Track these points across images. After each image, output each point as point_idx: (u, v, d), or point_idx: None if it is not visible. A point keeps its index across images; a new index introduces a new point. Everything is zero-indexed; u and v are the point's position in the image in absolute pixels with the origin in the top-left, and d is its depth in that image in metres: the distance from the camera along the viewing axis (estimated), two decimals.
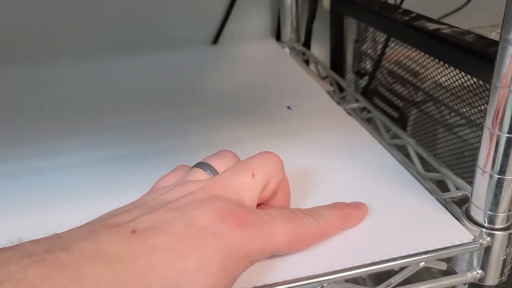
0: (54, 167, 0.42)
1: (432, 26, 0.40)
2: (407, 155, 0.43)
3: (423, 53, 0.46)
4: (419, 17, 0.42)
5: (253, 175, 0.29)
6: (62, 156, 0.44)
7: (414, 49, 0.49)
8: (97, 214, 0.28)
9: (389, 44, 0.57)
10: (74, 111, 0.54)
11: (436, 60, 0.45)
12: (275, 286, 0.29)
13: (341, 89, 0.59)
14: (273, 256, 0.30)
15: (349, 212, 0.33)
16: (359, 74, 0.69)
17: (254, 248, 0.27)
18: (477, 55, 0.34)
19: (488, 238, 0.31)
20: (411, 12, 0.44)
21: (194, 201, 0.27)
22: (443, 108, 0.51)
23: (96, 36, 0.68)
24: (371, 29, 0.66)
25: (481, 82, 0.37)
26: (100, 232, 0.24)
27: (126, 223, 0.25)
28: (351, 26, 0.68)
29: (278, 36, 0.73)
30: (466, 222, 0.32)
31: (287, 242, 0.29)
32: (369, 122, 0.52)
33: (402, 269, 0.31)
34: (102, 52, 0.68)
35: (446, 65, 0.42)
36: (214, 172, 0.30)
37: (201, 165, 0.31)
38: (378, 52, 0.62)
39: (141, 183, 0.32)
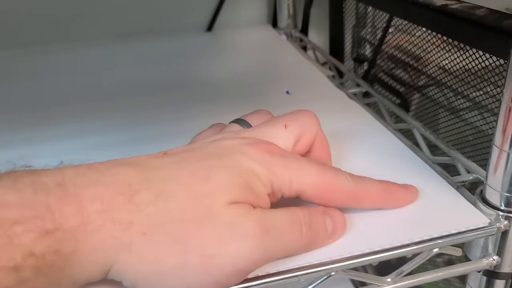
0: (61, 151, 0.41)
1: (439, 2, 0.38)
2: (412, 140, 0.41)
3: (429, 32, 0.44)
4: None
5: (285, 126, 0.30)
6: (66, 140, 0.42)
7: (419, 29, 0.47)
8: None
9: (390, 28, 0.55)
10: (67, 97, 0.52)
11: (443, 39, 0.43)
12: (279, 275, 0.27)
13: (340, 76, 0.58)
14: None
15: (395, 190, 0.31)
16: (358, 60, 0.67)
17: (280, 175, 0.26)
18: (490, 30, 0.32)
19: (506, 222, 0.29)
20: None
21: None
22: (447, 91, 0.50)
23: (90, 24, 0.65)
24: (371, 13, 0.64)
25: (494, 58, 0.36)
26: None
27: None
28: (349, 11, 0.66)
29: (274, 23, 0.71)
30: (481, 205, 0.30)
31: (314, 184, 0.27)
32: (370, 107, 0.51)
33: (415, 256, 0.29)
34: (97, 40, 0.65)
35: (454, 43, 0.40)
36: (249, 127, 0.31)
37: (237, 121, 0.32)
38: (378, 37, 0.60)
39: None
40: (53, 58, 0.62)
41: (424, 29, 0.48)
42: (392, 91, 0.59)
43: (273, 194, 0.27)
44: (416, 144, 0.41)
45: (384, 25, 0.56)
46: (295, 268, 0.27)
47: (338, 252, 0.28)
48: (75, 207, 0.22)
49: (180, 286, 0.24)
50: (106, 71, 0.58)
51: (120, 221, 0.22)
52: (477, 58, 0.40)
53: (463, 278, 0.34)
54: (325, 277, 0.28)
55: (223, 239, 0.24)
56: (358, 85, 0.52)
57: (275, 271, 0.27)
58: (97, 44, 0.65)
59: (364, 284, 0.30)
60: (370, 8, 0.63)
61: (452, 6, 0.36)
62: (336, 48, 0.64)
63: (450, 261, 0.42)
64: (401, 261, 0.30)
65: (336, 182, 0.28)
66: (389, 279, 0.29)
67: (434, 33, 0.45)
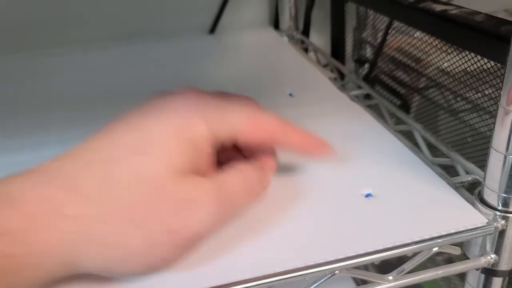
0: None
1: (439, 7, 0.39)
2: (413, 141, 0.42)
3: (429, 36, 0.45)
4: None
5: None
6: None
7: (419, 33, 0.48)
8: None
9: (390, 30, 0.56)
10: (73, 99, 0.52)
11: (443, 43, 0.44)
12: (286, 274, 0.28)
13: (341, 78, 0.58)
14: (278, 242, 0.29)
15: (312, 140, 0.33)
16: (359, 62, 0.68)
17: (216, 119, 0.28)
18: (488, 35, 0.33)
19: (503, 221, 0.30)
20: None
21: None
22: (447, 93, 0.50)
23: (93, 26, 0.66)
24: (372, 16, 0.65)
25: (492, 62, 0.37)
26: None
27: None
28: (350, 14, 0.67)
29: (276, 25, 0.72)
30: (479, 205, 0.31)
31: (247, 119, 0.29)
32: (371, 109, 0.51)
33: (415, 254, 0.30)
34: (100, 41, 0.66)
35: (454, 47, 0.41)
36: None
37: None
38: (379, 39, 0.61)
39: None
40: (57, 60, 0.63)
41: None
42: (393, 92, 0.60)
43: (215, 142, 0.27)
44: (416, 145, 0.42)
45: (385, 27, 0.57)
46: (301, 267, 0.28)
47: (341, 251, 0.29)
48: (19, 211, 0.22)
49: (149, 262, 0.25)
50: (109, 73, 0.59)
51: (71, 215, 0.22)
52: (476, 62, 0.41)
53: (462, 276, 0.35)
54: (329, 275, 0.29)
55: (183, 215, 0.24)
56: (359, 87, 0.53)
57: (282, 270, 0.28)
58: (100, 46, 0.66)
59: (365, 282, 0.31)
60: (371, 11, 0.64)
61: (452, 12, 0.37)
62: (337, 50, 0.65)
63: (449, 259, 0.43)
64: (402, 260, 0.31)
65: (265, 114, 0.30)
66: (390, 277, 0.30)
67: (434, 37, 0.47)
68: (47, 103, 0.52)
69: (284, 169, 0.37)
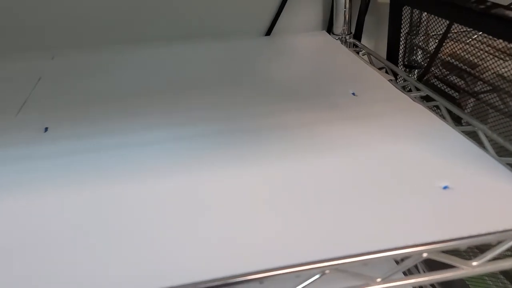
0: (145, 141, 0.45)
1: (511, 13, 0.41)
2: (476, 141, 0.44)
3: (501, 41, 0.47)
4: (495, 5, 0.43)
5: None
6: (149, 132, 0.47)
7: (478, 37, 0.50)
8: (187, 181, 0.32)
9: (448, 35, 0.58)
10: (139, 91, 0.56)
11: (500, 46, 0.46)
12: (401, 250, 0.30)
13: (396, 80, 0.61)
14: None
15: None
16: (409, 66, 0.70)
17: None
18: None
19: None
20: (486, 0, 0.45)
21: None
22: (505, 95, 0.52)
23: (159, 26, 0.70)
24: (425, 21, 0.67)
25: None
26: None
27: None
28: (404, 19, 0.69)
29: (328, 29, 0.75)
30: None
31: None
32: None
33: (499, 243, 0.32)
34: (165, 40, 0.70)
35: None
36: None
37: None
38: (434, 44, 0.63)
39: (218, 156, 0.39)
40: (126, 56, 0.67)
41: (481, 36, 0.51)
42: (446, 96, 0.62)
43: None
44: (483, 146, 0.43)
45: (442, 32, 0.59)
46: (400, 247, 0.31)
47: (431, 237, 0.31)
48: None
49: None
50: (172, 69, 0.63)
51: None
52: None
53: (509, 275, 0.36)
54: (416, 258, 0.31)
55: None
56: (417, 89, 0.56)
57: (386, 247, 0.30)
58: (165, 44, 0.70)
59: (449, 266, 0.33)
60: (424, 16, 0.66)
61: None
62: (392, 54, 0.67)
63: None
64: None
65: None
66: (474, 263, 0.32)
67: (493, 40, 0.48)
68: (119, 94, 0.56)
69: (363, 165, 0.40)
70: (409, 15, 0.68)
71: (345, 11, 0.70)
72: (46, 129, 0.48)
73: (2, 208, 0.36)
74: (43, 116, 0.50)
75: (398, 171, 0.39)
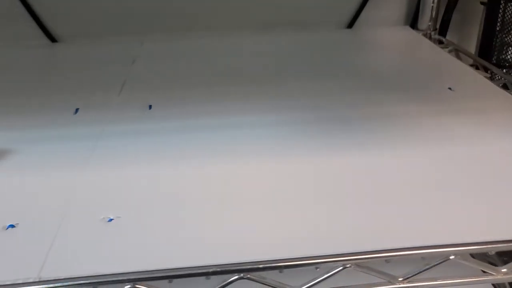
0: (234, 125, 0.46)
1: None
2: None
3: None
4: None
5: None
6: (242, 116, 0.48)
7: None
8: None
9: None
10: (222, 77, 0.58)
11: None
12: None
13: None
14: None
15: None
16: (499, 65, 0.68)
17: None
18: None
19: None
20: None
21: None
22: None
23: (241, 15, 0.72)
24: None
25: None
26: None
27: None
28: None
29: (412, 24, 0.74)
30: None
31: None
32: None
33: None
34: (247, 29, 0.71)
35: None
36: None
37: None
38: None
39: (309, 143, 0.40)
40: (210, 43, 0.68)
41: None
42: None
43: None
44: None
45: None
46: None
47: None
48: None
49: None
50: (251, 58, 0.64)
51: None
52: None
53: None
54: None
55: None
56: None
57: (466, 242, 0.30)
58: (244, 34, 0.71)
59: None
60: None
61: None
62: (485, 51, 0.66)
63: None
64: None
65: None
66: (504, 270, 0.31)
67: None
68: (209, 77, 0.58)
69: (461, 159, 0.39)
70: (501, 14, 0.66)
71: (432, 6, 0.69)
72: (150, 106, 0.50)
73: (115, 177, 0.38)
74: (143, 96, 0.53)
75: (496, 169, 0.38)
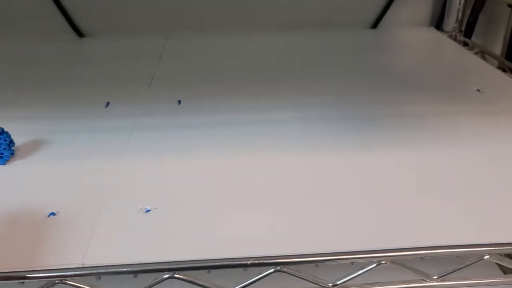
0: (264, 121, 0.47)
1: None
2: None
3: None
4: None
5: None
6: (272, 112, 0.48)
7: None
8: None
9: None
10: (251, 76, 0.58)
11: None
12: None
13: None
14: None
15: None
16: None
17: None
18: None
19: None
20: None
21: None
22: None
23: (267, 15, 0.72)
24: None
25: None
26: None
27: None
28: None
29: (437, 26, 0.74)
30: None
31: None
32: None
33: None
34: (272, 28, 0.72)
35: None
36: None
37: None
38: None
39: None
40: (234, 42, 0.69)
41: None
42: None
43: None
44: None
45: None
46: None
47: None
48: None
49: None
50: (274, 57, 0.64)
51: None
52: None
53: None
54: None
55: None
56: None
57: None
58: (269, 33, 0.71)
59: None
60: None
61: None
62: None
63: None
64: None
65: None
66: None
67: None
68: (236, 74, 0.58)
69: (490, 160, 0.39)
70: None
71: (458, 8, 0.69)
72: (179, 102, 0.51)
73: (150, 168, 0.39)
74: (172, 90, 0.53)
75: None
